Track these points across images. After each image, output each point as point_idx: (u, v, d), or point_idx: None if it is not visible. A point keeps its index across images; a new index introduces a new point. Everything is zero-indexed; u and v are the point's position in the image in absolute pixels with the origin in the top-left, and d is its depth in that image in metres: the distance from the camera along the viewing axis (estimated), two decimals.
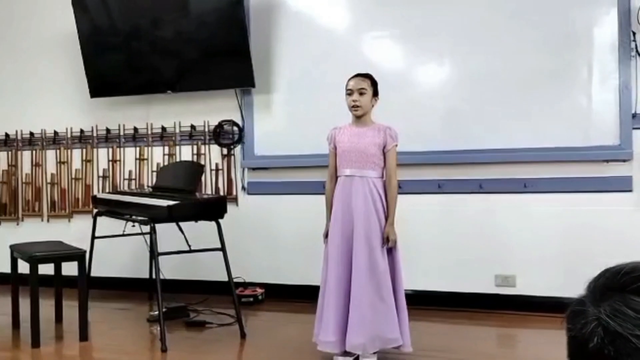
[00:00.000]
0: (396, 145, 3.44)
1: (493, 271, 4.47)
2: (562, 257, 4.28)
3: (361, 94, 3.40)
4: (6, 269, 4.33)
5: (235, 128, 5.10)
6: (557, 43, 4.30)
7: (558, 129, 4.30)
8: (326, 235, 3.50)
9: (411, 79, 4.68)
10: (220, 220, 4.04)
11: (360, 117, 3.45)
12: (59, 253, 4.08)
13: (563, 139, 4.28)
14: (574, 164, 4.29)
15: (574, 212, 4.31)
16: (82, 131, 5.59)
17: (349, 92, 3.43)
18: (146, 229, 4.12)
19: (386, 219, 3.38)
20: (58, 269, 4.33)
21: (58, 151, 5.69)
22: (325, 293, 3.38)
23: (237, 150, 5.15)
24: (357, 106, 3.40)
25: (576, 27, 4.28)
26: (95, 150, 5.59)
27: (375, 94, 3.47)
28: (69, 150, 5.67)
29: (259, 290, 4.92)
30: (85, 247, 4.27)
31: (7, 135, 5.83)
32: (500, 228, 4.46)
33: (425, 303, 4.42)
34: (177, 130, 5.31)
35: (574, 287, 0.89)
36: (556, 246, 4.33)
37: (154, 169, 5.37)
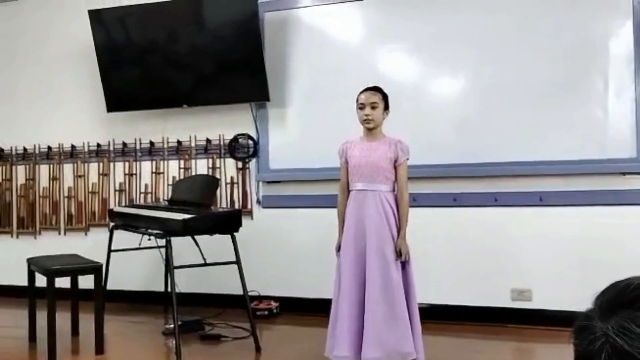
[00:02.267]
0: (407, 159, 3.44)
1: (509, 285, 4.44)
2: (579, 271, 4.24)
3: (373, 107, 3.42)
4: (24, 282, 4.37)
5: (250, 141, 5.13)
6: (572, 55, 4.29)
7: (574, 141, 4.28)
8: (338, 249, 3.50)
9: (425, 91, 4.68)
10: (235, 234, 4.05)
11: (371, 130, 3.46)
12: (76, 266, 4.11)
13: (579, 151, 4.25)
14: (590, 176, 4.26)
15: (591, 226, 4.27)
16: (99, 145, 5.65)
17: (361, 106, 3.45)
18: (162, 242, 4.14)
19: (398, 232, 3.38)
20: (75, 282, 4.36)
21: (75, 165, 5.75)
22: (339, 307, 3.37)
23: (252, 163, 5.18)
24: (370, 120, 3.42)
25: (591, 38, 4.27)
26: (111, 164, 5.64)
27: (386, 107, 3.49)
28: (86, 164, 5.73)
29: (274, 304, 4.92)
30: (102, 260, 4.30)
31: (25, 149, 5.90)
32: (515, 242, 4.43)
33: (440, 317, 4.39)
34: (193, 144, 5.35)
35: (590, 302, 0.89)
36: (573, 260, 4.30)
37: (170, 182, 5.40)
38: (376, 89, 3.49)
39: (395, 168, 3.42)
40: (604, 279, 0.90)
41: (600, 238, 4.24)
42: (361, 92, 3.49)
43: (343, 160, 3.55)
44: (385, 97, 3.49)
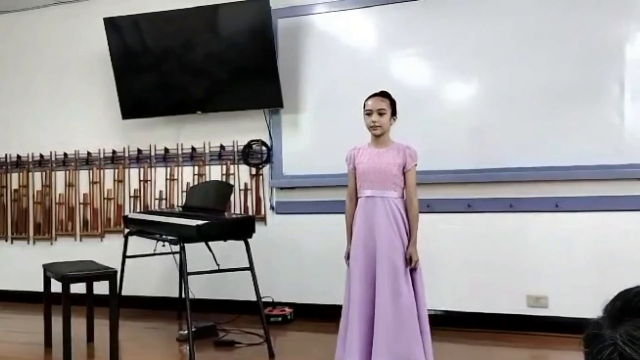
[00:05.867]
0: (415, 165, 3.39)
1: (524, 292, 4.40)
2: (596, 277, 4.19)
3: (380, 114, 3.36)
4: (40, 287, 4.39)
5: (264, 148, 5.14)
6: (587, 59, 4.25)
7: (589, 146, 4.23)
8: (348, 257, 3.47)
9: (439, 96, 4.66)
10: (249, 240, 4.06)
11: (379, 136, 3.42)
12: (91, 272, 4.12)
13: (595, 156, 4.21)
14: (606, 182, 4.22)
15: (608, 232, 4.22)
16: (114, 152, 5.69)
17: (368, 112, 3.40)
18: (176, 248, 4.16)
19: (409, 239, 3.34)
20: (90, 288, 4.38)
21: (91, 172, 5.79)
22: (349, 315, 3.35)
23: (266, 169, 5.18)
24: (376, 126, 3.37)
25: (607, 42, 4.23)
26: (126, 170, 5.67)
27: (394, 113, 3.44)
28: (101, 171, 5.76)
29: (288, 310, 4.91)
30: (117, 266, 4.31)
31: (41, 156, 5.96)
32: (531, 248, 4.39)
33: (455, 323, 4.36)
34: (207, 150, 5.37)
35: (601, 310, 0.87)
36: (589, 266, 4.25)
37: (184, 188, 5.42)
38: (384, 95, 3.43)
39: (403, 174, 3.37)
40: (622, 286, 0.89)
41: (617, 244, 4.19)
42: (368, 98, 3.43)
43: (351, 166, 3.50)
44: (393, 103, 3.43)
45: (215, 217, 4.16)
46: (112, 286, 3.99)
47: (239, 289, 4.68)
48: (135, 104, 5.40)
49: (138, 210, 5.54)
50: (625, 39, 4.21)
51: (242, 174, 5.27)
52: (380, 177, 3.36)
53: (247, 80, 4.95)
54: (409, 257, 3.30)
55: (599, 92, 4.25)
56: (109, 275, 4.03)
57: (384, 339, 3.23)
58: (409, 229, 3.35)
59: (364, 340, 3.28)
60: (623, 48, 4.21)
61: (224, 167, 5.32)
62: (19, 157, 6.05)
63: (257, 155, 5.19)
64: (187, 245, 3.92)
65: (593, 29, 4.26)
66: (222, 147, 5.29)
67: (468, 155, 4.49)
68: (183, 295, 4.17)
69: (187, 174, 5.46)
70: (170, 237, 4.14)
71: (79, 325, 4.17)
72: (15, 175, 6.10)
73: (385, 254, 3.29)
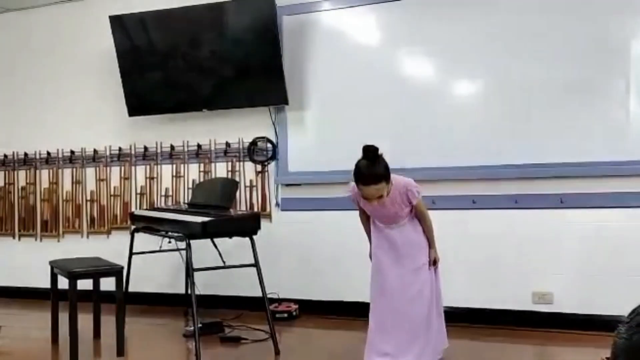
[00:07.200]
0: (420, 195, 3.37)
1: (530, 288, 4.39)
2: (601, 274, 4.18)
3: (380, 197, 3.24)
4: (47, 284, 4.43)
5: (269, 145, 5.15)
6: (593, 56, 4.24)
7: (595, 143, 4.23)
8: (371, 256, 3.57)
9: (444, 94, 4.65)
10: (254, 236, 4.07)
11: None
12: (97, 269, 4.15)
13: (600, 153, 4.20)
14: (611, 178, 4.20)
15: (613, 228, 4.22)
16: (120, 149, 5.71)
17: (366, 198, 3.28)
18: (182, 245, 4.17)
19: (427, 244, 3.46)
20: (96, 284, 4.41)
21: (97, 169, 5.82)
22: (391, 316, 3.41)
23: (271, 166, 5.20)
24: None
25: (612, 39, 4.22)
26: (133, 167, 5.70)
27: (388, 179, 3.24)
28: (108, 168, 5.79)
29: (293, 306, 4.92)
30: (123, 262, 4.34)
31: (48, 153, 5.99)
32: (536, 244, 4.39)
33: (460, 320, 4.36)
34: (212, 148, 5.38)
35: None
36: (595, 263, 4.24)
37: (190, 185, 5.45)
38: (377, 178, 3.17)
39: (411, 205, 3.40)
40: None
41: (622, 240, 4.18)
42: (363, 183, 3.20)
43: (356, 204, 3.53)
44: (387, 176, 3.22)
45: (221, 214, 4.18)
46: (119, 282, 4.02)
47: (244, 286, 4.70)
48: (141, 101, 5.42)
49: (144, 207, 5.57)
50: (631, 35, 4.19)
51: (248, 171, 5.28)
52: (389, 219, 3.42)
53: (253, 78, 4.96)
54: (432, 259, 3.45)
55: (604, 89, 4.24)
56: (115, 271, 4.06)
57: (425, 338, 3.38)
58: (426, 236, 3.46)
59: (413, 334, 3.38)
60: (629, 44, 4.19)
61: (230, 164, 5.33)
62: (26, 154, 6.08)
63: (262, 152, 5.20)
64: (193, 242, 3.93)
65: (599, 25, 4.24)
66: (227, 144, 5.31)
67: (473, 152, 4.49)
68: (189, 292, 4.19)
69: (193, 171, 5.48)
70: (176, 234, 4.16)
71: (85, 321, 4.20)
72: (22, 173, 6.13)
73: (410, 267, 3.40)
